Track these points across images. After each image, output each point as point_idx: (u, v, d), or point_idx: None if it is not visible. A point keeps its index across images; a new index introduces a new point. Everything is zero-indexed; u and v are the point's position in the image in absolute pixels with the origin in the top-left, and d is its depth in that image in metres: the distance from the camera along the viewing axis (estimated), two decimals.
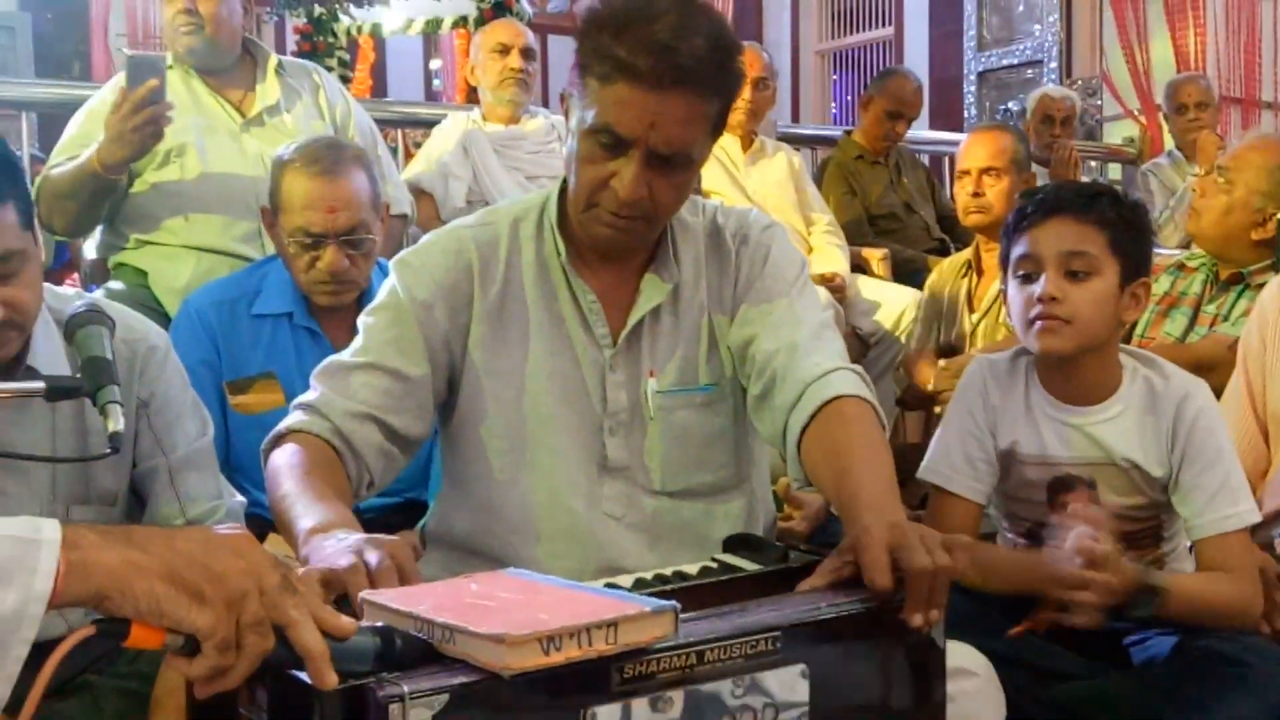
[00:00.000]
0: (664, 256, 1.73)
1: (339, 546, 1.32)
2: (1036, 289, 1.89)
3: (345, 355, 1.72)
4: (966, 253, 3.44)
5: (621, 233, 1.65)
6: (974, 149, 3.43)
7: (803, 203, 4.25)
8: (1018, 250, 1.93)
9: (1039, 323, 1.89)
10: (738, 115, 4.15)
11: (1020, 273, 1.93)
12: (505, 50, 3.87)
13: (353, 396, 1.66)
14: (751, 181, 4.19)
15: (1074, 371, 1.94)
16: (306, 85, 3.13)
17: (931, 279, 3.49)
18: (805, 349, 1.64)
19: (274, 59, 3.12)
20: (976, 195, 3.35)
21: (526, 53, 3.86)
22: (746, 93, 4.12)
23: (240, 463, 2.43)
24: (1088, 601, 1.71)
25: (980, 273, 3.31)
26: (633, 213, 1.62)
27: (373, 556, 1.27)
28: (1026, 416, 1.97)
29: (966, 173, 3.41)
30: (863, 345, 3.83)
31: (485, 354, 1.71)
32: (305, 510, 1.45)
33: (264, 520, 2.32)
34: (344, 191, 2.37)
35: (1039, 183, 3.49)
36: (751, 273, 1.74)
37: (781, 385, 1.63)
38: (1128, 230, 1.91)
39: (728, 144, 4.18)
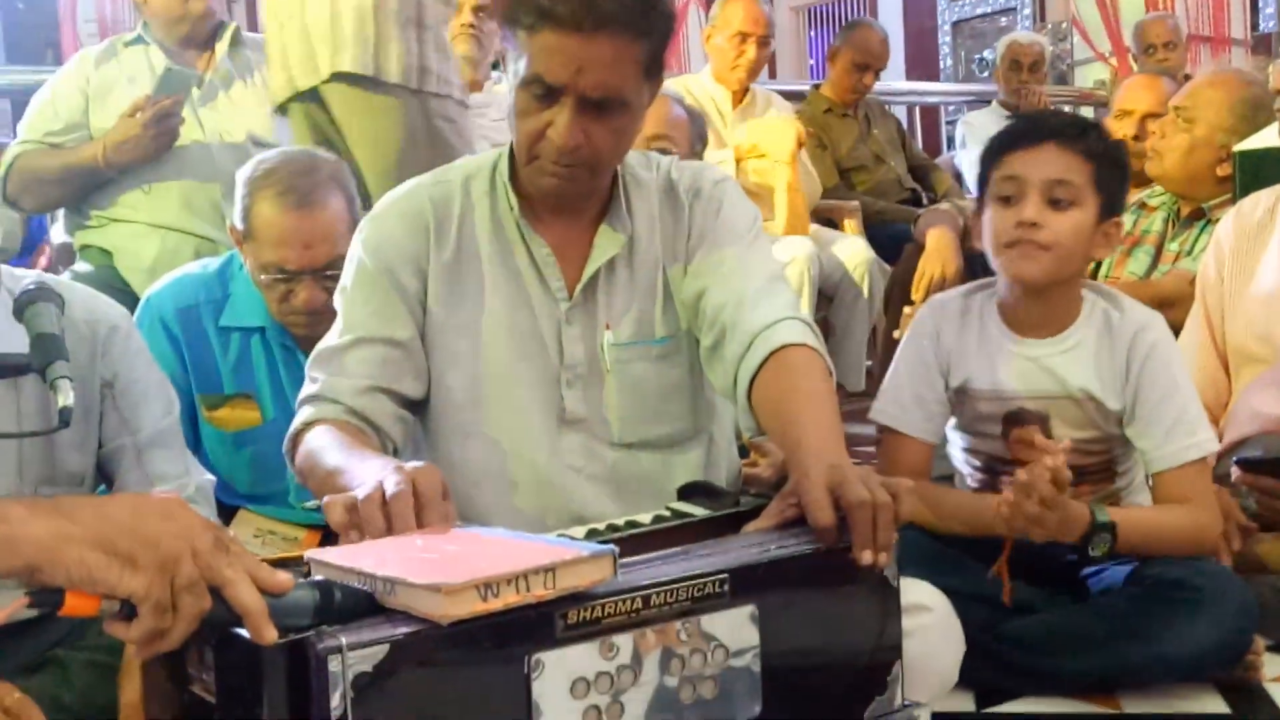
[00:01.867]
0: (616, 208, 1.75)
1: (368, 476, 1.35)
2: (1021, 211, 1.88)
3: (333, 338, 1.74)
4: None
5: (565, 181, 1.66)
6: (1138, 94, 3.37)
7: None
8: (1002, 171, 1.92)
9: (1019, 247, 1.88)
10: (738, 73, 4.15)
11: (1002, 194, 1.91)
12: (458, 6, 3.82)
13: (354, 374, 1.69)
14: (737, 136, 4.18)
15: (1036, 303, 1.94)
16: (260, 59, 3.12)
17: None
18: (754, 300, 1.66)
19: (231, 28, 3.11)
20: (1139, 139, 3.21)
21: (479, 9, 3.80)
22: (751, 50, 4.10)
23: (212, 472, 2.34)
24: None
25: None
26: (572, 160, 1.63)
27: (390, 482, 1.30)
28: (980, 351, 1.97)
29: (1128, 113, 3.33)
30: (825, 300, 3.83)
31: (442, 310, 1.73)
32: (356, 471, 1.46)
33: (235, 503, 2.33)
34: (320, 225, 2.18)
35: None
36: (704, 225, 1.75)
37: (731, 337, 1.65)
38: (1111, 167, 1.91)
39: (718, 96, 4.16)
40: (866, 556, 1.28)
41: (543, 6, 1.56)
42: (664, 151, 2.62)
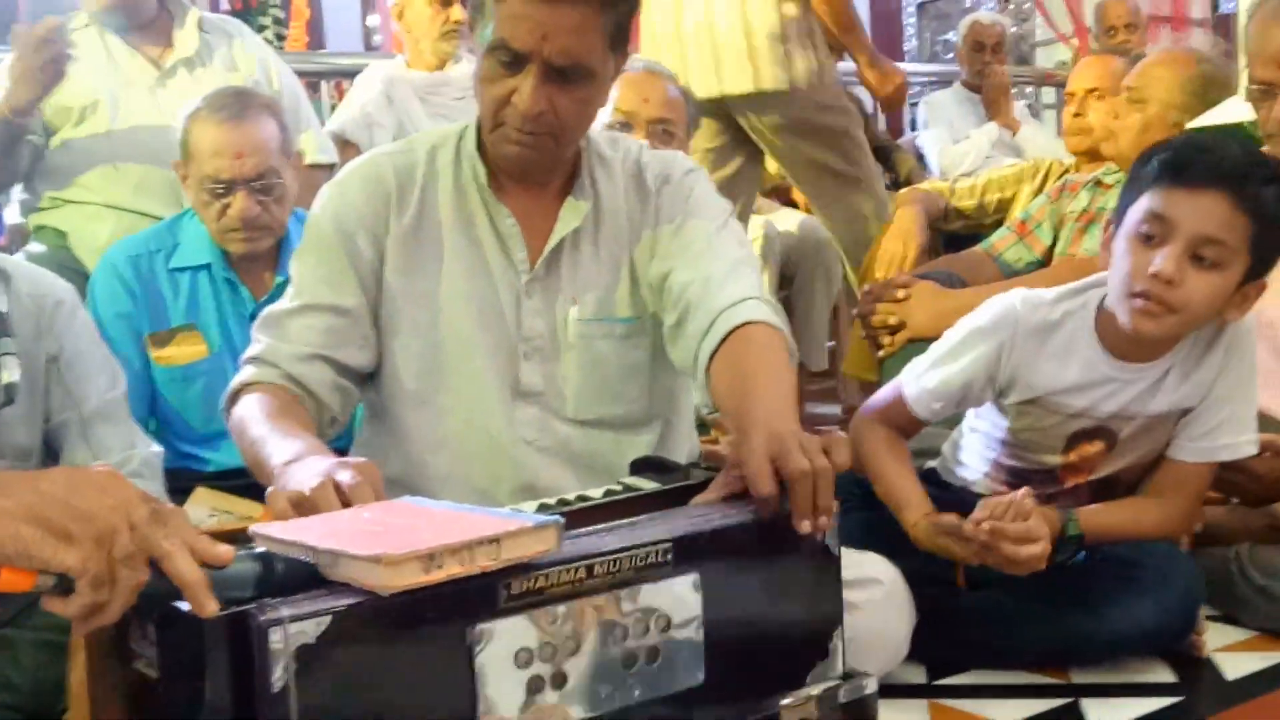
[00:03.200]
0: (580, 181, 1.75)
1: (309, 470, 1.35)
2: (1157, 261, 1.66)
3: (282, 302, 1.75)
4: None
5: (529, 149, 1.66)
6: (1081, 73, 3.40)
7: None
8: (1152, 204, 1.68)
9: (1140, 300, 1.69)
10: None
11: (1145, 231, 1.69)
12: (447, 1, 3.81)
13: (296, 340, 1.69)
14: None
15: (1151, 342, 1.78)
16: (223, 39, 3.10)
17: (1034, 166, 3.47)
18: (720, 280, 1.66)
19: (195, 13, 3.09)
20: (1077, 116, 3.30)
21: (465, 1, 3.81)
22: None
23: (167, 416, 2.44)
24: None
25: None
26: (537, 128, 1.64)
27: (344, 475, 1.30)
28: (1062, 367, 1.82)
29: (1072, 94, 3.37)
30: (786, 279, 3.84)
31: (400, 278, 1.74)
32: (276, 448, 1.49)
33: (191, 472, 2.36)
34: (251, 137, 2.36)
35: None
36: (673, 210, 1.76)
37: (694, 314, 1.66)
38: (1272, 223, 1.68)
39: None
40: (805, 526, 1.29)
41: None
42: (667, 134, 2.63)
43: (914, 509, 1.80)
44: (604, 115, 2.48)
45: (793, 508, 1.28)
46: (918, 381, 1.89)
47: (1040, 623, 1.80)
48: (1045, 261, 2.87)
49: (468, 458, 1.72)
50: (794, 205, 4.20)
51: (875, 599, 1.63)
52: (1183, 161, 1.67)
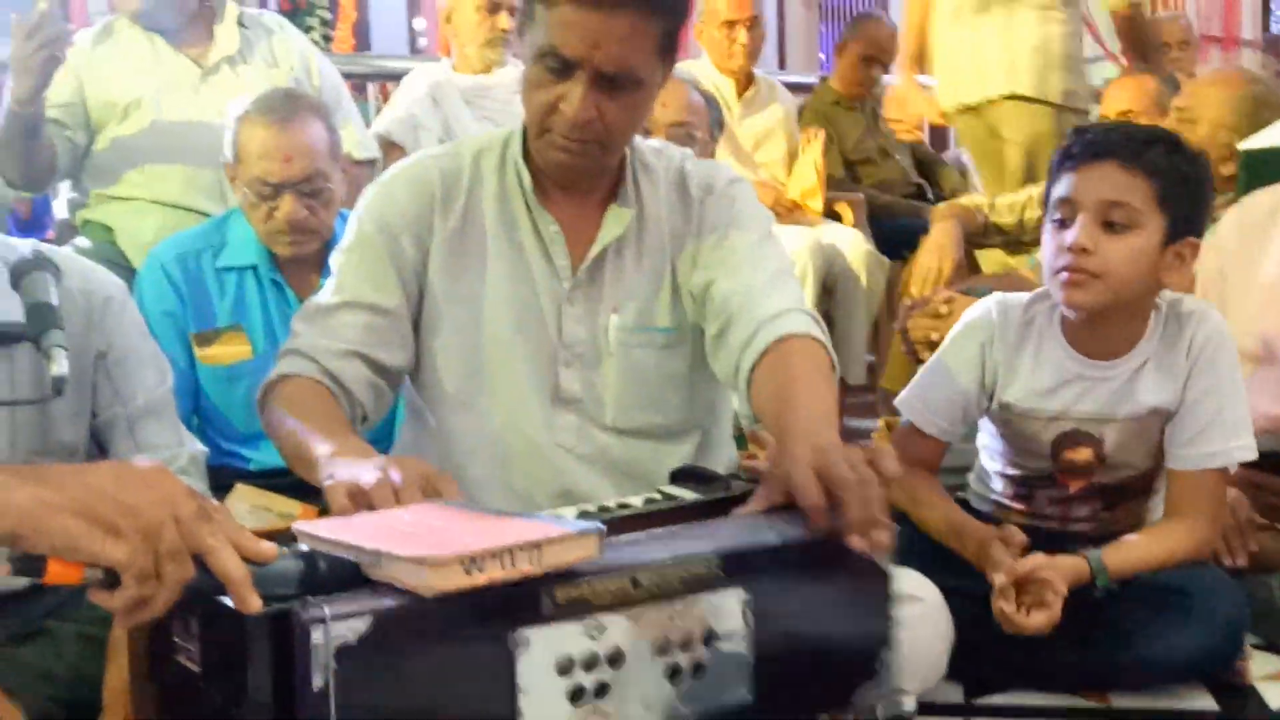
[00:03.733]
0: (624, 188, 1.75)
1: (363, 465, 1.35)
2: (1069, 236, 1.77)
3: (323, 296, 1.75)
4: None
5: (576, 156, 1.66)
6: (1114, 96, 3.44)
7: (791, 152, 4.24)
8: (1057, 191, 1.81)
9: (1065, 274, 1.77)
10: (735, 60, 4.14)
11: (1056, 216, 1.81)
12: (495, 8, 3.83)
13: (336, 335, 1.69)
14: (743, 128, 4.17)
15: (1100, 326, 1.84)
16: (264, 35, 3.12)
17: None
18: (763, 291, 1.66)
19: (234, 9, 3.11)
20: None
21: (513, 9, 3.83)
22: (742, 36, 4.10)
23: (210, 414, 2.46)
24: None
25: None
26: (584, 135, 1.64)
27: (396, 473, 1.31)
28: (1038, 369, 1.87)
29: (1106, 118, 3.39)
30: (827, 293, 3.83)
31: (444, 280, 1.74)
32: (320, 441, 1.49)
33: (232, 470, 2.38)
34: (299, 140, 2.36)
35: None
36: (716, 220, 1.76)
37: (736, 325, 1.65)
38: (1180, 183, 1.77)
39: (722, 85, 4.13)
40: (859, 541, 1.26)
41: None
42: (687, 136, 2.62)
43: (967, 529, 1.83)
44: None
45: (845, 521, 1.26)
46: (916, 401, 1.92)
47: (1082, 646, 1.78)
48: None
49: (506, 462, 1.73)
50: (836, 218, 4.19)
51: (914, 617, 1.62)
52: (1074, 148, 1.79)
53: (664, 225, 1.77)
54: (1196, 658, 1.75)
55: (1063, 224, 1.79)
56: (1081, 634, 1.78)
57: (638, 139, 1.79)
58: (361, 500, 1.29)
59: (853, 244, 3.86)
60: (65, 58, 2.64)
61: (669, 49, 1.67)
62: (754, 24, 4.15)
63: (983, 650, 1.78)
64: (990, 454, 2.00)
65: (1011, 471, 1.96)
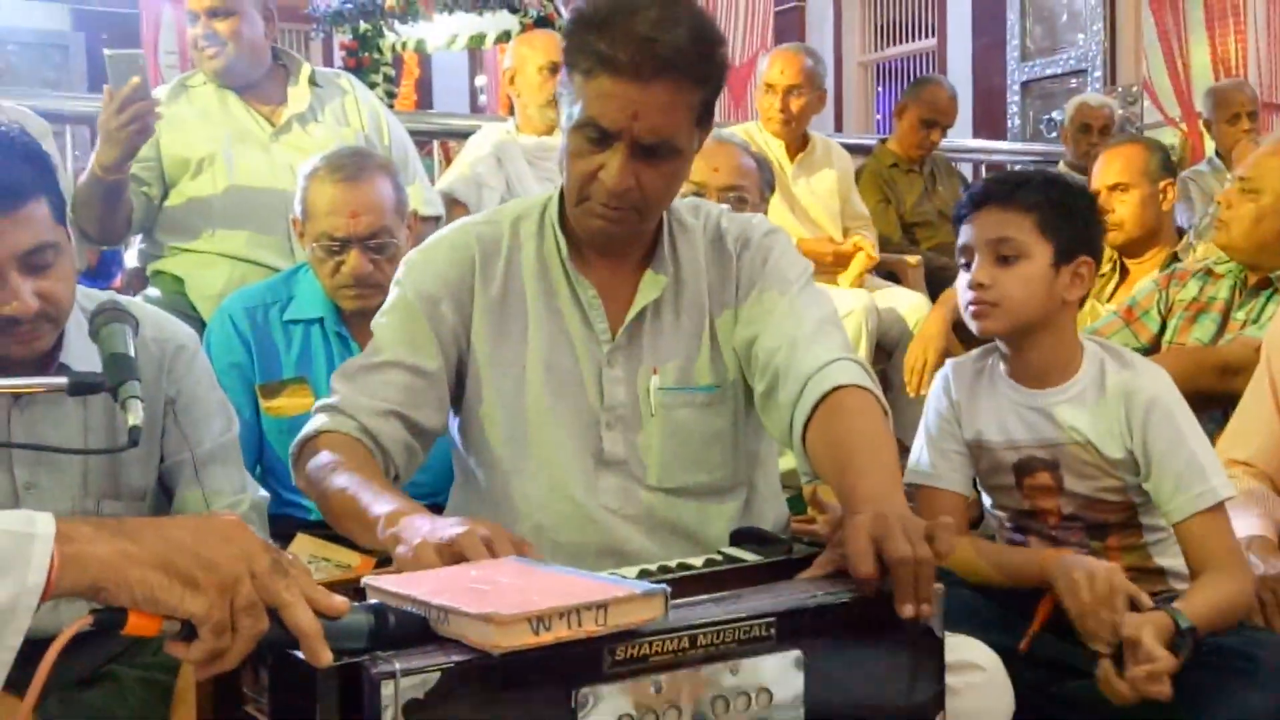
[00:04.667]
0: (660, 253, 1.77)
1: (443, 522, 1.37)
2: (969, 276, 1.97)
3: (362, 357, 1.78)
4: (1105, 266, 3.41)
5: (614, 224, 1.68)
6: (1103, 169, 3.42)
7: (846, 213, 4.27)
8: (959, 241, 2.02)
9: (971, 307, 1.98)
10: (773, 125, 4.17)
11: (961, 261, 2.01)
12: (558, 69, 3.87)
13: (375, 395, 1.71)
14: (799, 188, 4.19)
15: (1029, 353, 2.00)
16: (336, 93, 3.19)
17: None
18: (805, 343, 1.67)
19: (307, 68, 3.18)
20: (1106, 214, 3.33)
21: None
22: (777, 103, 4.13)
23: (272, 465, 2.49)
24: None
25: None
26: (622, 203, 1.66)
27: (483, 529, 1.33)
28: (990, 403, 2.03)
29: (1096, 193, 3.40)
30: (885, 355, 3.83)
31: (487, 346, 1.76)
32: (375, 498, 1.51)
33: (293, 519, 2.40)
34: (366, 197, 2.40)
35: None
36: (753, 275, 1.77)
37: (784, 381, 1.66)
38: (1057, 211, 1.96)
39: (773, 146, 4.16)
40: (908, 610, 1.27)
41: (601, 53, 1.58)
42: (739, 200, 2.65)
43: (1025, 555, 1.90)
44: None
45: (895, 591, 1.27)
46: (921, 465, 2.04)
47: (1143, 713, 1.76)
48: (1152, 349, 2.84)
49: (553, 524, 1.73)
50: (896, 280, 4.20)
51: (975, 684, 1.61)
52: (962, 204, 2.03)
53: (702, 283, 1.78)
54: None
55: (967, 266, 1.99)
56: (1146, 700, 1.75)
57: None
58: (450, 555, 1.30)
59: (912, 307, 3.86)
60: (154, 131, 2.69)
61: (705, 117, 1.69)
62: (795, 92, 4.16)
63: (1043, 716, 1.76)
64: (986, 503, 2.12)
65: (999, 513, 2.08)
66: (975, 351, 2.12)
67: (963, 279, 2.00)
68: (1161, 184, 3.38)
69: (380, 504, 1.49)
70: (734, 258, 1.79)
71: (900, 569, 1.27)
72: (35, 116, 3.13)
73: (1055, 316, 1.99)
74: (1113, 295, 3.35)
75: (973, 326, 2.01)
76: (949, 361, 2.15)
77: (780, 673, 1.23)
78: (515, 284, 1.77)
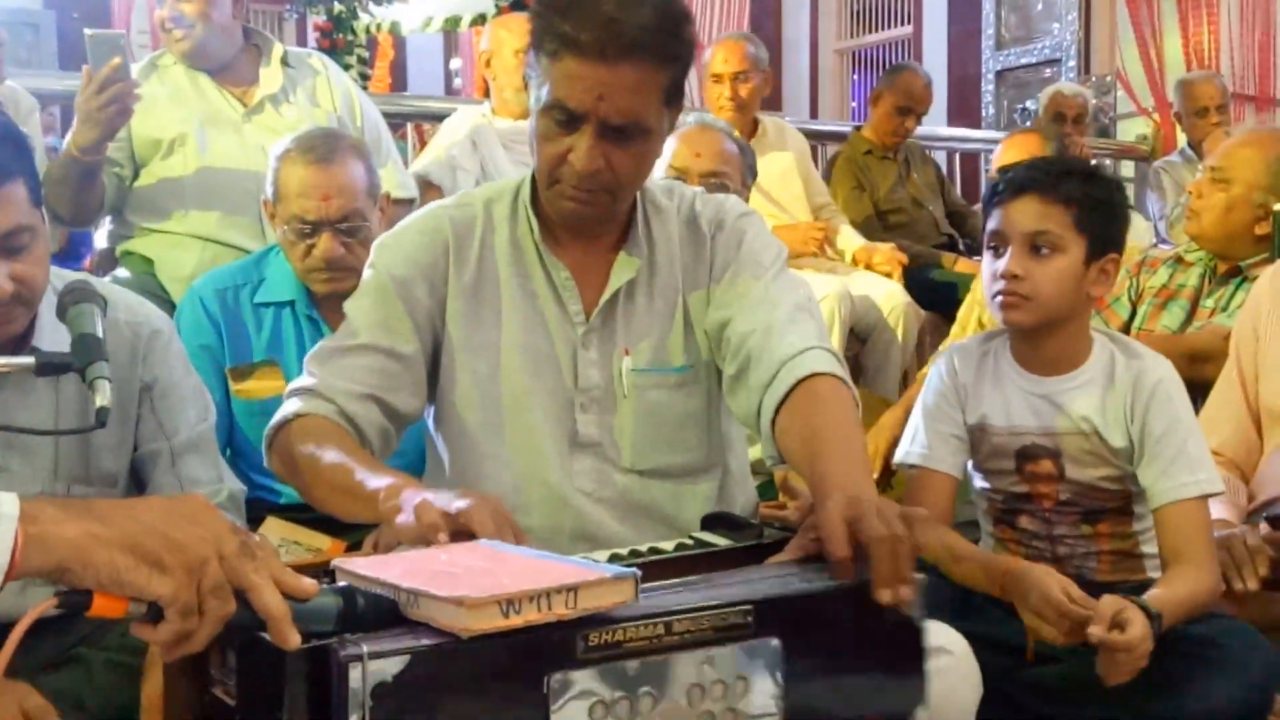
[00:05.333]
0: (634, 234, 1.77)
1: (446, 494, 1.37)
2: (1001, 264, 1.95)
3: (336, 339, 1.76)
4: None
5: (585, 205, 1.68)
6: (1003, 155, 3.43)
7: (809, 191, 4.28)
8: (989, 225, 1.99)
9: (1000, 297, 1.96)
10: (724, 113, 4.18)
11: (991, 245, 1.99)
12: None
13: (352, 378, 1.70)
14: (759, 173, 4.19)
15: (1043, 342, 1.99)
16: (309, 74, 3.17)
17: (973, 288, 3.48)
18: (781, 329, 1.66)
19: (279, 49, 3.15)
20: None
21: None
22: (726, 91, 4.15)
23: (242, 448, 2.48)
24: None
25: None
26: (593, 185, 1.65)
27: (491, 509, 1.33)
28: (995, 389, 2.02)
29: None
30: (858, 341, 3.84)
31: (461, 329, 1.75)
32: (371, 473, 1.50)
33: (263, 503, 2.39)
34: (338, 179, 2.38)
35: None
36: (727, 257, 1.77)
37: (756, 365, 1.65)
38: (1095, 208, 1.95)
39: None
40: (886, 595, 1.25)
41: (566, 34, 1.57)
42: (721, 186, 2.64)
43: (997, 563, 1.88)
44: (658, 171, 2.50)
45: (874, 574, 1.26)
46: (915, 446, 2.03)
47: (1111, 700, 1.77)
48: None
49: (527, 508, 1.72)
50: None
51: (943, 669, 1.60)
52: (999, 186, 2.00)
53: (675, 264, 1.78)
54: (1229, 709, 1.74)
55: (996, 252, 1.98)
56: (1114, 686, 1.77)
57: (648, 180, 1.80)
58: (454, 523, 1.30)
59: (887, 294, 3.87)
60: (134, 112, 2.67)
61: (675, 96, 1.68)
62: (748, 76, 4.18)
63: (1011, 703, 1.77)
64: (975, 485, 2.11)
65: (994, 495, 2.07)
66: (980, 335, 2.12)
67: (990, 264, 1.99)
68: None
69: (378, 478, 1.49)
70: (708, 239, 1.78)
71: (877, 547, 1.25)
72: (25, 94, 3.10)
73: (1079, 311, 1.99)
74: None
75: (997, 315, 1.99)
76: (954, 344, 2.14)
77: (757, 661, 1.21)
78: (489, 267, 1.77)
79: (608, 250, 1.77)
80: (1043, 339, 1.99)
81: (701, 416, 1.78)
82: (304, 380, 1.72)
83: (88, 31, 2.59)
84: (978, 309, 3.26)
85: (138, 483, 1.86)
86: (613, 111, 1.60)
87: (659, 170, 2.56)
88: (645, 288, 1.77)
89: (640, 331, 1.76)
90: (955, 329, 3.34)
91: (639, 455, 1.75)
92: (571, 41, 1.57)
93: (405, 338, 1.73)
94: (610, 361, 1.75)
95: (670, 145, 2.71)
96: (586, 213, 1.69)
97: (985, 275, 2.01)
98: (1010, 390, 2.01)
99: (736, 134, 3.04)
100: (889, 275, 4.01)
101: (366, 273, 1.79)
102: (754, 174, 2.96)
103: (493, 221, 1.78)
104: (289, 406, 1.70)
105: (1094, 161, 5.27)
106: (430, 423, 1.84)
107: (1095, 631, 1.70)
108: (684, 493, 1.77)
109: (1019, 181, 1.96)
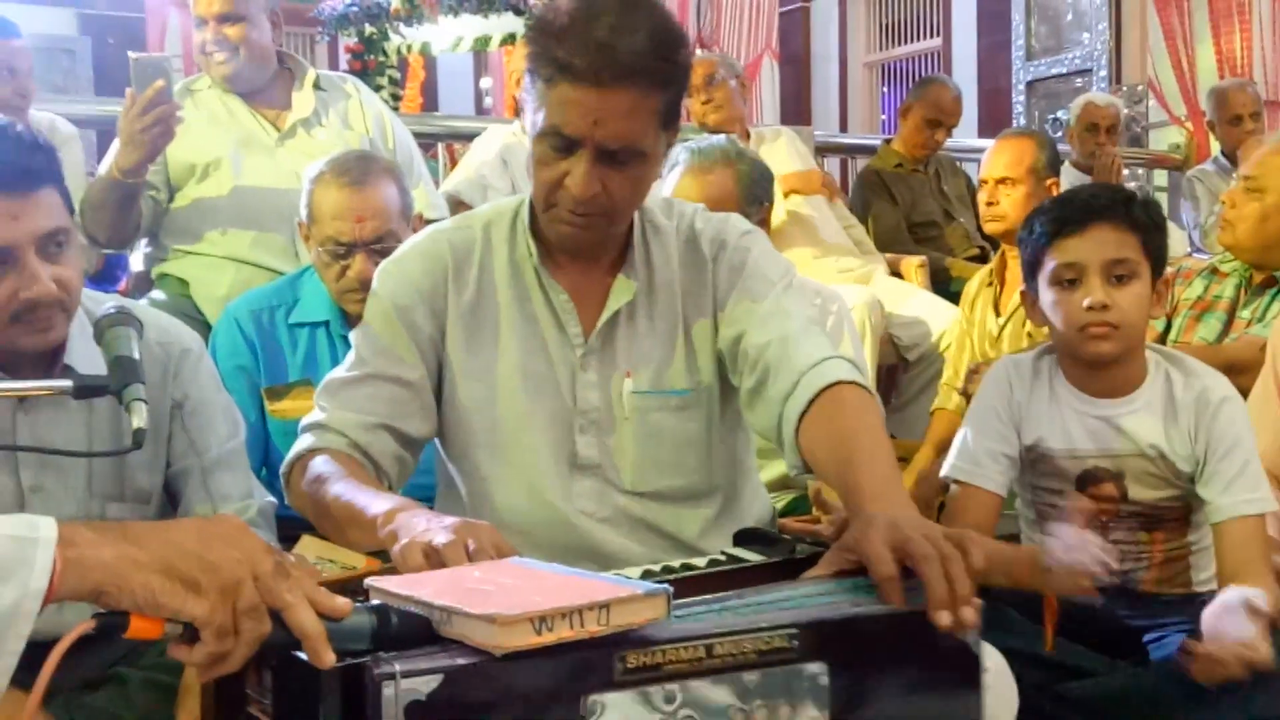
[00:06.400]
0: (631, 257, 1.76)
1: (436, 524, 1.37)
2: (1085, 297, 1.91)
3: (343, 371, 1.78)
4: (992, 261, 3.45)
5: (582, 230, 1.68)
6: (992, 159, 3.43)
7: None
8: (1059, 258, 1.94)
9: (1091, 329, 1.91)
10: (710, 119, 4.26)
11: (1063, 279, 1.94)
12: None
13: (361, 409, 1.72)
14: None
15: (1105, 368, 1.97)
16: (341, 97, 3.20)
17: (965, 291, 3.49)
18: (797, 339, 1.66)
19: (312, 73, 3.18)
20: (990, 205, 3.37)
21: None
22: (700, 99, 4.24)
23: (278, 468, 2.49)
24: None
25: (1004, 281, 3.30)
26: (589, 209, 1.65)
27: (470, 539, 1.33)
28: (1052, 412, 1.99)
29: (984, 182, 3.42)
30: (903, 360, 3.82)
31: (461, 354, 1.76)
32: (372, 500, 1.52)
33: (298, 521, 2.39)
34: (372, 201, 2.41)
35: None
36: (732, 277, 1.76)
37: (775, 376, 1.65)
38: (1156, 231, 1.96)
39: None
40: (945, 618, 1.20)
41: (560, 60, 1.57)
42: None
43: (1019, 553, 1.75)
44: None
45: (928, 598, 1.21)
46: (962, 461, 2.00)
47: (1148, 713, 1.76)
48: None
49: (530, 530, 1.73)
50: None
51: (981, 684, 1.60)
52: (1063, 215, 1.96)
53: (675, 286, 1.77)
54: None
55: (1071, 284, 1.94)
56: (1149, 700, 1.76)
57: (648, 199, 1.79)
58: (436, 561, 1.30)
59: (930, 308, 3.87)
60: (176, 134, 2.69)
61: (671, 118, 1.67)
62: (713, 85, 4.27)
63: (1047, 716, 1.76)
64: (1023, 508, 2.09)
65: (1048, 509, 2.04)
66: (1031, 352, 2.09)
67: (1064, 296, 1.94)
68: (1048, 181, 3.38)
69: (377, 504, 1.50)
70: (709, 260, 1.78)
71: (929, 568, 1.21)
72: (63, 121, 3.14)
73: (1144, 335, 1.99)
74: (1001, 284, 3.33)
75: (1085, 349, 1.94)
76: (1008, 358, 2.12)
77: (803, 686, 1.18)
78: (488, 289, 1.77)
79: (606, 273, 1.77)
80: (1108, 365, 1.97)
81: (702, 440, 1.78)
82: (315, 415, 1.75)
83: (132, 55, 2.62)
84: (970, 349, 3.24)
85: (170, 499, 1.88)
86: (608, 136, 1.59)
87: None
88: (645, 310, 1.77)
89: (641, 354, 1.76)
90: (948, 372, 3.33)
91: (639, 477, 1.75)
92: (566, 67, 1.57)
93: (411, 364, 1.75)
94: (609, 383, 1.75)
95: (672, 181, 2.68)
96: (583, 237, 1.69)
97: (1063, 311, 1.95)
98: (1066, 412, 1.99)
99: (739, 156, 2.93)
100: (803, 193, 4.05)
101: (370, 300, 1.80)
102: (760, 200, 2.85)
103: (491, 244, 1.79)
104: (301, 443, 1.73)
105: (1126, 171, 5.26)
106: (438, 444, 1.85)
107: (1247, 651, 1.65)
108: (684, 515, 1.78)
109: (1090, 211, 1.94)
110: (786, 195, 3.99)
